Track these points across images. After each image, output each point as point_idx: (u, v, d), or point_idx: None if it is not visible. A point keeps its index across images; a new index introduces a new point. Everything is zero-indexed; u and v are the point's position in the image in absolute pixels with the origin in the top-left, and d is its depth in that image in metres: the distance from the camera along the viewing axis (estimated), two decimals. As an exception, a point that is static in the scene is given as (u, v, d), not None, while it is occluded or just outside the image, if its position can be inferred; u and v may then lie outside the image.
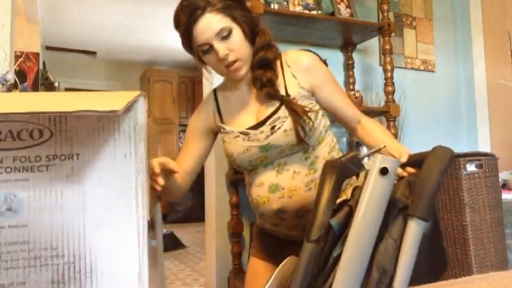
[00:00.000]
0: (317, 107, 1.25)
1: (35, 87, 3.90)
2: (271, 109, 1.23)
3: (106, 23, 5.38)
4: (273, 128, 1.21)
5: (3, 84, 1.97)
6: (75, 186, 0.50)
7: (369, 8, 2.90)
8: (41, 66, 4.36)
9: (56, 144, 0.49)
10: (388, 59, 2.52)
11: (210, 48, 1.18)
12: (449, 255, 0.87)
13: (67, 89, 6.65)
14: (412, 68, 3.08)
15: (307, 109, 1.20)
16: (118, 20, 5.29)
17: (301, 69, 1.26)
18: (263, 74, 1.23)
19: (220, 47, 1.17)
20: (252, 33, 1.23)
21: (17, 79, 2.24)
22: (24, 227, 0.49)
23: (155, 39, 5.96)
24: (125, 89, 7.10)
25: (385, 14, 2.54)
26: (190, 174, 1.31)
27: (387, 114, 2.47)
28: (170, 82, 7.11)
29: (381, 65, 2.78)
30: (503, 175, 2.68)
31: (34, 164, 0.49)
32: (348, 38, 2.68)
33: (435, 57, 3.19)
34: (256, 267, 1.38)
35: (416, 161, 0.83)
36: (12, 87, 2.08)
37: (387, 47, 2.52)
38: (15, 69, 2.56)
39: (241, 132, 1.25)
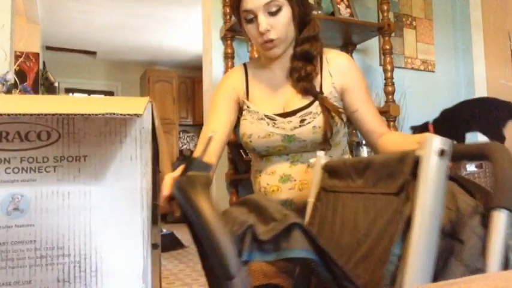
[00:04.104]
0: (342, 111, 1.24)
1: (35, 87, 3.90)
2: (303, 102, 1.20)
3: (106, 23, 5.38)
4: (302, 121, 1.18)
5: (3, 84, 1.97)
6: (82, 187, 0.51)
7: (369, 8, 2.90)
8: (41, 66, 4.36)
9: (64, 145, 0.50)
10: (388, 59, 2.52)
11: (254, 18, 1.16)
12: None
13: (67, 89, 6.66)
14: (412, 68, 3.09)
15: (341, 110, 1.20)
16: (118, 20, 5.29)
17: (337, 68, 1.24)
18: (303, 67, 1.21)
19: (263, 21, 1.14)
20: (301, 19, 1.20)
21: (17, 79, 2.25)
22: (31, 226, 0.49)
23: (155, 39, 5.96)
24: (125, 89, 7.11)
25: (385, 14, 2.54)
26: (223, 149, 1.22)
27: (387, 114, 2.47)
28: (170, 82, 7.10)
29: (380, 65, 2.78)
30: (502, 175, 2.68)
31: (41, 164, 0.50)
32: (348, 38, 2.68)
33: (435, 57, 3.19)
34: (256, 265, 1.39)
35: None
36: (12, 87, 2.09)
37: (387, 47, 2.53)
38: (15, 69, 2.56)
39: (267, 116, 1.22)
